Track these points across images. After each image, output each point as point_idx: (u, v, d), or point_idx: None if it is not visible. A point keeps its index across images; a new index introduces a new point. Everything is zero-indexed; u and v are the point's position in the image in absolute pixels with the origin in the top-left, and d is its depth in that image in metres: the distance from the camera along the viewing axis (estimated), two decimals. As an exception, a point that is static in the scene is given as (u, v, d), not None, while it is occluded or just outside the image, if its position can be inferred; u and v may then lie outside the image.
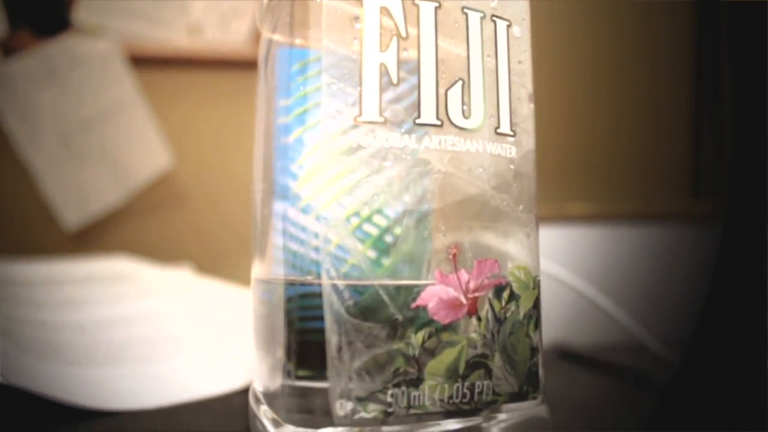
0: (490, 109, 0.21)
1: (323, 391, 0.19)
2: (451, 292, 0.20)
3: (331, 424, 0.19)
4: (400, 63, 0.20)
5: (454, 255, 0.20)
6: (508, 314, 0.21)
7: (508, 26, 0.22)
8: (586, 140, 1.04)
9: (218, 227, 0.98)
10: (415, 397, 0.19)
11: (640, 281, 0.51)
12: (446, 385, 0.20)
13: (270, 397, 0.21)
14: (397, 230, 0.20)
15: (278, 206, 0.22)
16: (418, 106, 0.20)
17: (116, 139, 0.97)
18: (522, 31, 0.23)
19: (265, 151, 0.24)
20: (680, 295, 0.51)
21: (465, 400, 0.20)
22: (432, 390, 0.20)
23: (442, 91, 0.21)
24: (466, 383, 0.20)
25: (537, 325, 0.22)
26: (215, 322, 0.43)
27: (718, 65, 1.04)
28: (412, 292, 0.20)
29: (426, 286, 0.20)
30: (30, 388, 0.27)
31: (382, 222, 0.20)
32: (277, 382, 0.21)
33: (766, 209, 0.49)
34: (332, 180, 0.20)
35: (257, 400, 0.23)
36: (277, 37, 0.23)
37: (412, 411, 0.19)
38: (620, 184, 1.02)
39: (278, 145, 0.22)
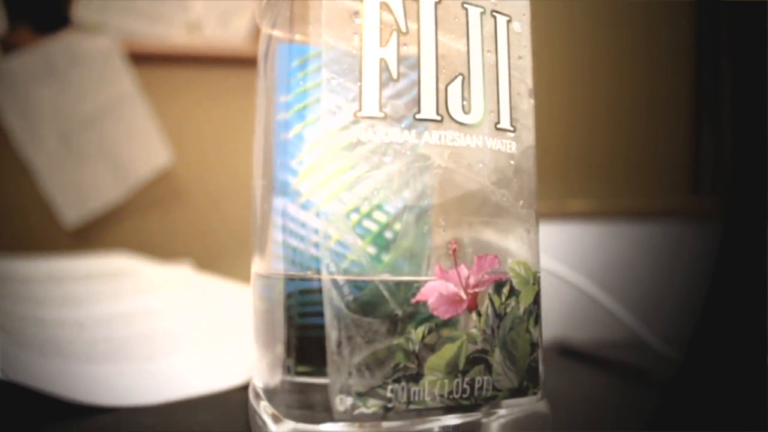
0: (490, 105, 0.21)
1: (323, 387, 0.19)
2: (451, 288, 0.20)
3: (331, 419, 0.19)
4: (400, 58, 0.20)
5: (454, 250, 0.20)
6: (508, 310, 0.21)
7: (509, 22, 0.22)
8: (587, 137, 1.04)
9: (218, 224, 0.98)
10: (415, 392, 0.19)
11: (640, 278, 0.51)
12: (446, 381, 0.20)
13: (270, 393, 0.21)
14: (397, 226, 0.20)
15: (278, 202, 0.22)
16: (418, 101, 0.20)
17: (116, 137, 0.97)
18: (522, 27, 0.23)
19: (265, 147, 0.24)
20: (680, 292, 0.51)
21: (465, 396, 0.20)
22: (432, 385, 0.20)
23: (442, 87, 0.21)
24: (466, 379, 0.20)
25: (537, 320, 0.22)
26: (215, 318, 0.43)
27: (718, 65, 1.04)
28: (412, 287, 0.20)
29: (426, 281, 0.20)
30: (30, 385, 0.27)
31: (382, 218, 0.20)
32: (276, 377, 0.21)
33: (766, 206, 0.49)
34: (332, 176, 0.19)
35: (257, 396, 0.23)
36: (276, 33, 0.23)
37: (412, 406, 0.19)
38: (620, 181, 1.02)
39: (278, 141, 0.22)
